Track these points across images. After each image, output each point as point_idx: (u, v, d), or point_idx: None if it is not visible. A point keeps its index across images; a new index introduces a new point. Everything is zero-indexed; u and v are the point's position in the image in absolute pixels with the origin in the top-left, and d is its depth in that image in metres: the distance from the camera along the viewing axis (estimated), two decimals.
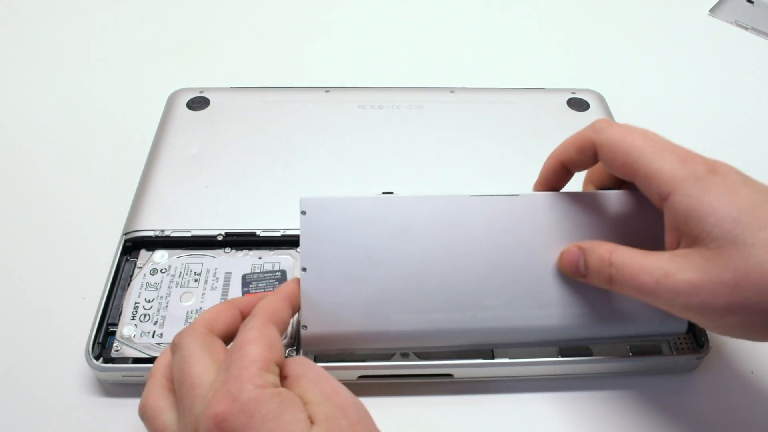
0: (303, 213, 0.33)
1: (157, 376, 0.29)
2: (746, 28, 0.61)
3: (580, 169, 0.34)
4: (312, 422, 0.26)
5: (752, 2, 0.65)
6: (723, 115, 0.53)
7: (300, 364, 0.28)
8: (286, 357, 0.29)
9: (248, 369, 0.26)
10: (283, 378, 0.28)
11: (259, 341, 0.27)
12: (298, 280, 0.33)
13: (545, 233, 0.33)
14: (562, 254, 0.33)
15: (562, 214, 0.34)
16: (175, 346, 0.29)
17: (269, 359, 0.27)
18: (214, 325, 0.30)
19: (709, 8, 0.64)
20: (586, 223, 0.34)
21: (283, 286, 0.32)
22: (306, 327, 0.32)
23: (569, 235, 0.33)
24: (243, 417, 0.25)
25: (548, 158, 0.35)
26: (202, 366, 0.27)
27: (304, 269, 0.32)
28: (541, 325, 0.33)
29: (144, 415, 0.28)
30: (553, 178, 0.35)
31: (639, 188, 0.31)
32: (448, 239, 0.33)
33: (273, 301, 0.31)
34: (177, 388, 0.27)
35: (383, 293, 0.32)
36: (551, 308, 0.33)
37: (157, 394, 0.28)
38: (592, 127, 0.32)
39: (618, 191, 0.34)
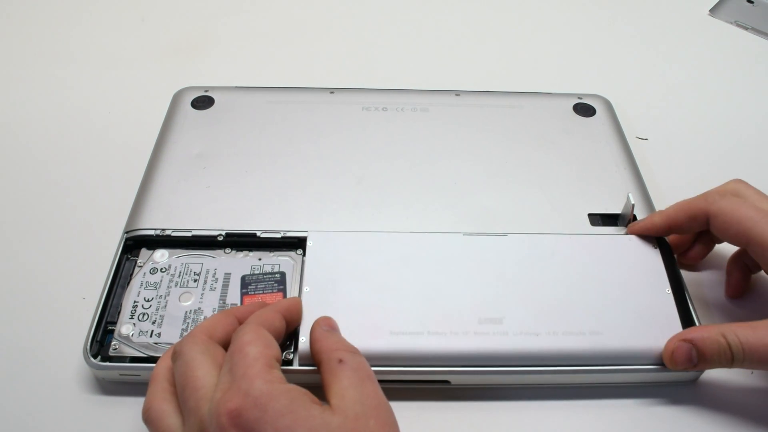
0: (310, 243, 0.37)
1: (159, 380, 0.30)
2: (746, 28, 0.61)
3: (686, 233, 0.39)
4: (334, 413, 0.26)
5: (752, 2, 0.64)
6: (723, 115, 0.53)
7: (358, 359, 0.29)
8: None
9: (253, 366, 0.27)
10: (338, 361, 0.29)
11: (256, 342, 0.28)
12: (295, 299, 0.35)
13: (531, 269, 0.37)
14: (671, 352, 0.33)
15: (546, 254, 0.37)
16: (176, 353, 0.29)
17: (270, 356, 0.28)
18: (213, 332, 0.30)
19: (709, 8, 0.64)
20: (572, 263, 0.37)
21: (280, 301, 0.34)
22: (304, 339, 0.33)
23: (555, 272, 0.36)
24: (257, 411, 0.25)
25: (654, 221, 0.38)
26: (205, 370, 0.28)
27: (307, 289, 0.35)
28: (531, 349, 0.34)
29: (148, 418, 0.29)
30: (659, 235, 0.39)
31: (752, 254, 0.35)
32: (442, 269, 0.36)
33: (266, 312, 0.32)
34: (180, 392, 0.28)
35: (379, 313, 0.34)
36: (542, 335, 0.34)
37: (161, 397, 0.29)
38: (704, 198, 0.36)
39: (606, 236, 0.39)
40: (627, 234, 0.39)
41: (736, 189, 0.37)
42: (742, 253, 0.39)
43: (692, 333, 0.33)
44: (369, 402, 0.27)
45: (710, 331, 0.32)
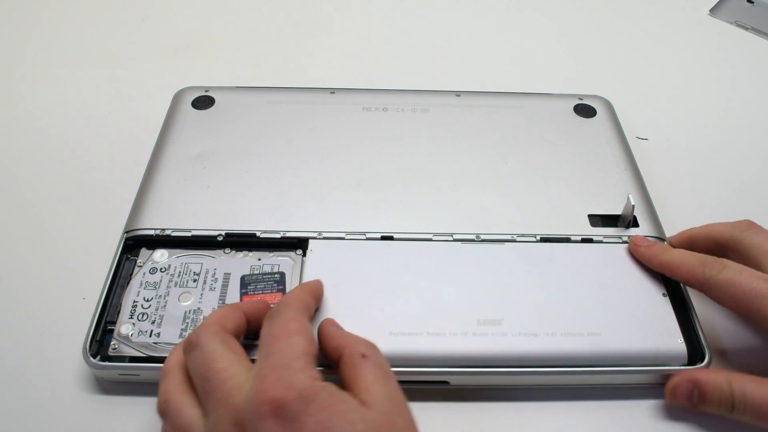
0: (311, 250, 0.37)
1: (174, 372, 0.29)
2: (746, 28, 0.61)
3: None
4: (368, 408, 0.26)
5: (752, 2, 0.64)
6: (724, 115, 0.53)
7: (379, 355, 0.30)
8: None
9: (298, 360, 0.27)
10: (361, 356, 0.29)
11: (303, 333, 0.29)
12: (317, 281, 0.35)
13: (529, 272, 0.37)
14: (673, 388, 0.33)
15: (544, 259, 0.37)
16: (191, 345, 0.29)
17: (312, 354, 0.28)
18: (224, 324, 0.30)
19: (709, 8, 0.64)
20: (569, 267, 0.37)
21: (307, 283, 0.34)
22: None
23: (553, 276, 0.37)
24: (300, 404, 0.25)
25: (651, 259, 0.37)
26: (228, 360, 0.28)
27: None
28: (530, 350, 0.34)
29: (166, 411, 0.28)
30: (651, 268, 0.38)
31: (754, 323, 0.34)
32: (441, 274, 0.36)
33: (303, 294, 0.32)
34: (201, 383, 0.28)
35: (378, 315, 0.35)
36: (540, 336, 0.34)
37: (179, 389, 0.29)
38: (702, 268, 0.34)
39: (602, 244, 0.39)
40: (629, 247, 0.38)
41: (739, 240, 0.35)
42: None
43: (699, 374, 0.33)
44: (394, 399, 0.28)
45: (718, 375, 0.32)
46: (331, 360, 0.31)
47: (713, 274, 0.33)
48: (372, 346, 0.30)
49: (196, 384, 0.28)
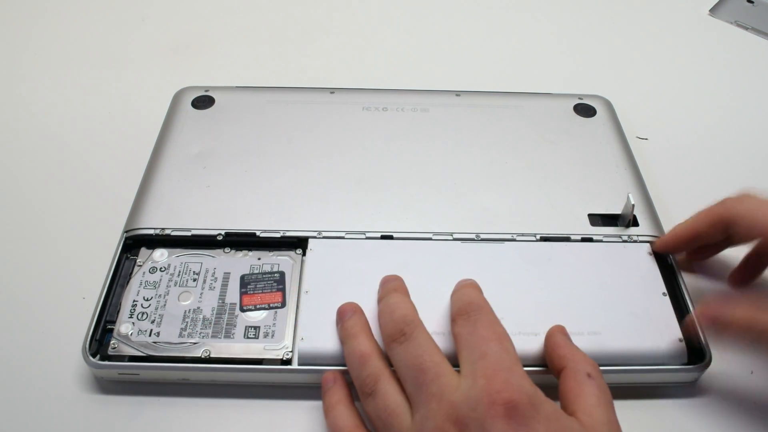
0: (311, 249, 0.37)
1: (379, 358, 0.30)
2: (746, 28, 0.61)
3: (709, 242, 0.37)
4: (585, 428, 0.27)
5: (752, 2, 0.64)
6: (724, 115, 0.53)
7: (602, 379, 0.29)
8: None
9: (517, 365, 0.28)
10: (587, 375, 0.29)
11: (510, 339, 0.29)
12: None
13: (529, 272, 0.37)
14: (691, 323, 0.34)
15: (543, 259, 0.37)
16: (404, 336, 0.30)
17: None
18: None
19: (709, 8, 0.64)
20: (568, 267, 0.37)
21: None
22: (303, 339, 0.34)
23: (553, 275, 0.37)
24: (531, 409, 0.26)
25: (678, 232, 0.37)
26: (440, 356, 0.29)
27: (306, 292, 0.36)
28: (530, 349, 0.34)
29: (376, 390, 0.29)
30: (684, 248, 0.38)
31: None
32: (441, 273, 0.36)
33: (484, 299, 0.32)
34: (414, 375, 0.28)
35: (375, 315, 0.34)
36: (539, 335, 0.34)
37: (389, 373, 0.29)
38: (722, 204, 0.35)
39: (607, 244, 0.38)
40: (653, 251, 0.38)
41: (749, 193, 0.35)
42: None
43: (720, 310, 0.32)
44: (614, 427, 0.28)
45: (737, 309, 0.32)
46: (552, 368, 0.31)
47: (734, 205, 0.34)
48: (596, 367, 0.30)
49: (406, 375, 0.28)
